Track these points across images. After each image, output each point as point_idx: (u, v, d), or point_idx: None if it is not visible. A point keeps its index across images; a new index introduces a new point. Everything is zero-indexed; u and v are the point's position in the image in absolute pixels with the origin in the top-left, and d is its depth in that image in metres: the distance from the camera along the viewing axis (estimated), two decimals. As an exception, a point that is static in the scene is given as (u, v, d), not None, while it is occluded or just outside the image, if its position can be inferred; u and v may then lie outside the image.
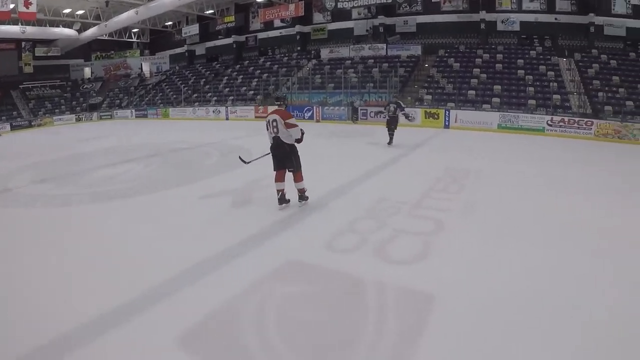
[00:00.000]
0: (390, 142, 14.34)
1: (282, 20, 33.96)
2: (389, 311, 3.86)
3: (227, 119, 29.33)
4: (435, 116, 21.70)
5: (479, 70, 23.67)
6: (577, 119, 19.40)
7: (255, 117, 27.68)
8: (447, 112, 21.41)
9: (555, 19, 25.28)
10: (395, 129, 14.31)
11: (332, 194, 7.94)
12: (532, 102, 21.02)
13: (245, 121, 27.15)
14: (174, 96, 34.66)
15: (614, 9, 24.87)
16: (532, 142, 17.22)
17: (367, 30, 29.59)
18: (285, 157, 6.64)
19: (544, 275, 4.63)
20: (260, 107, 27.75)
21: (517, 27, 25.89)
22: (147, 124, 28.29)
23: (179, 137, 18.48)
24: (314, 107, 25.52)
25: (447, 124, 21.34)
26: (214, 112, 30.10)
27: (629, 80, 21.66)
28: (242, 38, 36.82)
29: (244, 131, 20.25)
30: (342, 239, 5.60)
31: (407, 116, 14.90)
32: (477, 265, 4.85)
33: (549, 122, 19.78)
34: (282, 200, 6.88)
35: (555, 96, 21.00)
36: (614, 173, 11.26)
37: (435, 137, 17.65)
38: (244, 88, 31.48)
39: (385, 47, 28.18)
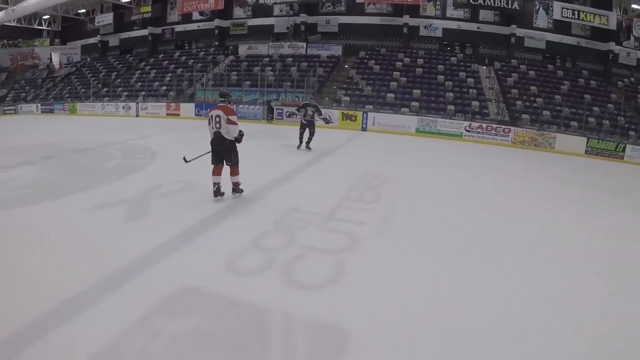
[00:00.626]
0: (300, 146, 12.93)
1: (201, 14, 31.75)
2: (296, 352, 3.26)
3: (137, 115, 26.63)
4: (353, 118, 20.49)
5: (399, 73, 22.85)
6: (494, 126, 18.98)
7: (167, 114, 25.34)
8: (365, 114, 20.27)
9: (478, 27, 25.13)
10: (314, 133, 12.84)
11: (238, 203, 6.99)
12: (451, 107, 20.35)
13: (156, 119, 24.72)
14: (83, 90, 31.40)
15: (535, 23, 25.25)
16: (451, 147, 16.77)
17: (287, 28, 28.11)
18: (225, 152, 6.73)
19: (471, 299, 4.25)
20: (172, 104, 25.41)
21: (439, 34, 25.48)
22: (52, 121, 25.09)
23: (83, 136, 16.06)
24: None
25: (364, 126, 20.22)
26: (124, 108, 27.21)
27: (546, 91, 21.67)
28: (159, 30, 34.09)
29: (154, 130, 17.98)
30: (246, 258, 4.86)
31: (326, 120, 13.54)
32: (396, 289, 4.33)
33: (467, 128, 19.14)
34: (218, 193, 6.88)
35: (474, 103, 20.49)
36: (531, 179, 11.42)
37: (352, 140, 16.54)
38: (157, 83, 28.94)
39: (305, 46, 26.80)
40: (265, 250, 5.04)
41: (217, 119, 6.63)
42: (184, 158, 7.43)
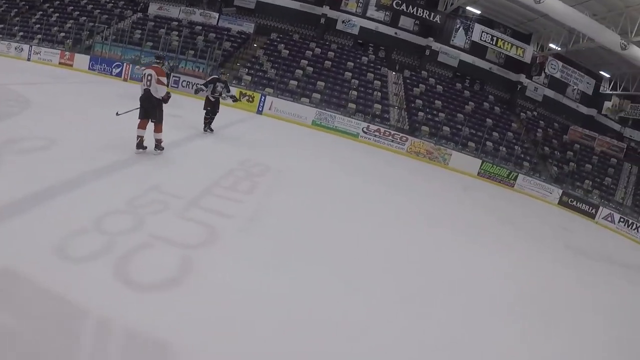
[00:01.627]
0: (206, 129, 10.95)
1: (118, -39, 28.59)
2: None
3: (28, 59, 23.11)
4: (250, 99, 18.68)
5: (307, 62, 21.31)
6: (392, 132, 17.92)
7: (60, 63, 22.07)
8: (263, 97, 18.56)
9: (395, 33, 24.29)
10: (217, 113, 11.08)
11: (94, 173, 5.77)
12: (352, 105, 19.05)
13: (48, 65, 21.56)
14: None
15: (453, 40, 24.77)
16: (345, 145, 16.01)
17: (202, -6, 25.78)
18: (151, 109, 7.12)
19: (327, 324, 3.81)
20: (66, 53, 22.29)
21: (356, 31, 24.31)
22: None
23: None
24: (124, 64, 20.90)
25: (260, 109, 18.52)
26: (16, 49, 23.62)
27: (450, 107, 21.17)
28: (71, -30, 30.44)
29: (41, 77, 15.22)
30: (81, 241, 3.93)
31: (234, 98, 11.97)
32: (241, 304, 3.69)
33: (365, 130, 18.07)
34: (140, 145, 7.23)
35: (376, 105, 19.40)
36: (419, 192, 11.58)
37: (244, 122, 15.08)
38: (56, 28, 25.54)
39: (217, 16, 24.64)
40: (105, 233, 4.20)
41: (149, 78, 7.05)
42: (117, 113, 7.45)
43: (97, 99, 12.66)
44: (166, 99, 7.27)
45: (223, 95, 10.84)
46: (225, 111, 13.41)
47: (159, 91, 7.13)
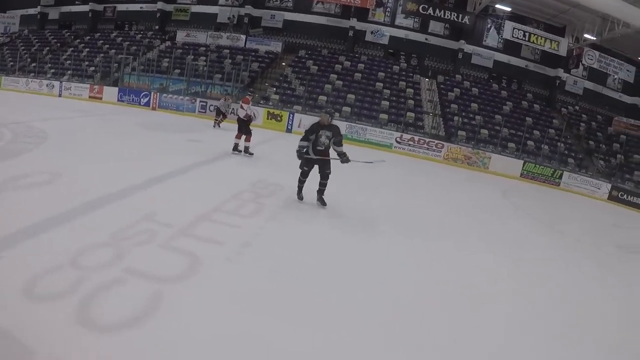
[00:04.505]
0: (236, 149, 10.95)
1: (146, -7, 29.64)
2: None
3: (60, 95, 24.14)
4: (279, 118, 18.86)
5: (336, 76, 21.31)
6: (427, 140, 17.73)
7: (89, 97, 22.99)
8: (291, 115, 18.64)
9: (426, 39, 23.98)
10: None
11: (92, 204, 5.53)
12: (384, 116, 18.85)
13: (77, 100, 22.39)
14: (11, 63, 28.65)
15: (485, 41, 24.31)
16: (377, 157, 14.74)
17: (228, 18, 26.22)
18: (242, 125, 10.80)
19: None
20: (95, 87, 23.14)
21: (385, 41, 24.15)
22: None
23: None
24: (151, 93, 21.48)
25: (289, 127, 18.61)
26: (47, 86, 24.72)
27: (487, 109, 20.66)
28: (100, 7, 31.65)
29: (69, 112, 15.65)
30: (53, 277, 3.65)
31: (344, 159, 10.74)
32: (209, 349, 3.11)
33: (398, 140, 17.83)
34: (235, 149, 10.61)
35: (409, 114, 19.09)
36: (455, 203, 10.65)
37: (269, 142, 14.85)
38: (87, 63, 26.57)
39: (244, 38, 25.06)
40: (80, 269, 3.85)
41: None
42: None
43: (115, 130, 12.74)
44: (246, 118, 10.51)
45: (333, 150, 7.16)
46: (255, 132, 13.13)
47: (239, 113, 10.52)
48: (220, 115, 16.47)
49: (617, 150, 21.74)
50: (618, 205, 17.97)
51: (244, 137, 10.52)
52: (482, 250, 6.78)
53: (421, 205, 9.42)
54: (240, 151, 10.42)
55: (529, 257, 7.06)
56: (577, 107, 24.23)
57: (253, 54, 23.82)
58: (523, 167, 18.28)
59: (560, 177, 18.49)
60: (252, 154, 10.49)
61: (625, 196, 18.40)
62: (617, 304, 5.86)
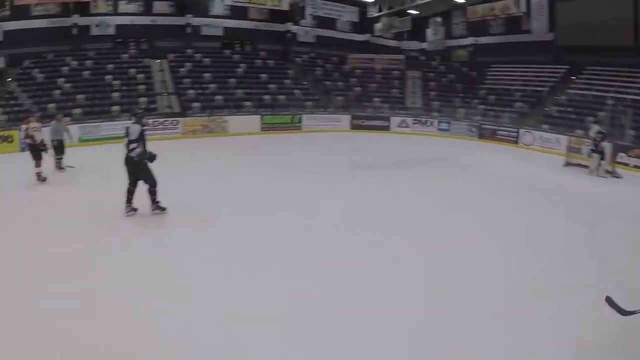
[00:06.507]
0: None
1: None
2: None
3: None
4: (9, 139, 17.45)
5: (64, 79, 20.31)
6: (162, 120, 17.89)
7: None
8: (19, 132, 17.40)
9: (152, 21, 23.90)
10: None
11: None
12: (116, 108, 18.62)
13: None
14: None
15: (211, 10, 24.66)
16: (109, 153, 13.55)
17: None
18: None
19: None
20: None
21: (112, 31, 23.55)
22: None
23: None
24: None
25: (23, 146, 17.29)
26: None
27: (221, 76, 21.54)
28: None
29: None
30: None
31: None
32: None
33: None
34: None
35: (141, 99, 19.09)
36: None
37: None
38: None
39: (-40, 60, 22.53)
40: None
41: None
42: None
43: None
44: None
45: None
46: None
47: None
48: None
49: (355, 84, 24.08)
50: (360, 132, 20.13)
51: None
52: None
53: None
54: (45, 178, 10.30)
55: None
56: (312, 54, 26.20)
57: (-29, 76, 21.69)
58: (262, 121, 19.50)
59: (300, 120, 20.13)
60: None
61: (365, 122, 20.69)
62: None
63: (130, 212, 7.82)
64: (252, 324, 4.44)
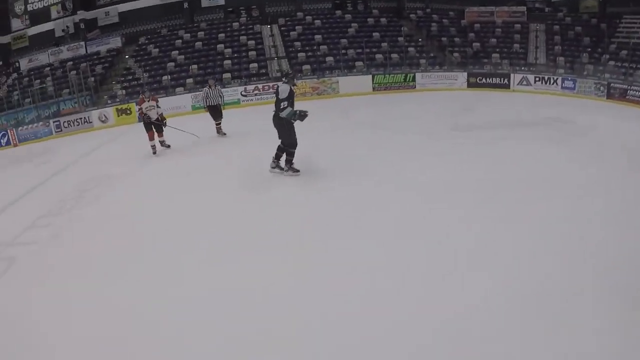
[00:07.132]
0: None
1: (-24, 33, 27.84)
2: None
3: None
4: (128, 112, 18.15)
5: (177, 52, 20.63)
6: (272, 84, 17.50)
7: None
8: (136, 104, 17.92)
9: (258, -15, 23.35)
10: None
11: None
12: (227, 75, 18.50)
13: None
14: None
15: None
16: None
17: (63, 30, 24.98)
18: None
19: None
20: None
21: (222, 1, 23.54)
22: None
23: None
24: (8, 130, 20.20)
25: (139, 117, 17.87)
26: None
27: (332, 37, 20.64)
28: None
29: None
30: None
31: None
32: None
33: (243, 93, 17.51)
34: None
35: (252, 65, 18.80)
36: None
37: (116, 140, 15.00)
38: None
39: (84, 45, 23.88)
40: None
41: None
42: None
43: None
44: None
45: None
46: (106, 133, 14.04)
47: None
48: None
49: (473, 39, 22.03)
50: (478, 90, 18.36)
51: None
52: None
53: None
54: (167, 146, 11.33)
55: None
56: (427, 10, 24.35)
57: (95, 57, 22.85)
58: (373, 81, 18.38)
59: (414, 79, 18.71)
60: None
61: (483, 79, 18.82)
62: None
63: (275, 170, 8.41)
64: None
